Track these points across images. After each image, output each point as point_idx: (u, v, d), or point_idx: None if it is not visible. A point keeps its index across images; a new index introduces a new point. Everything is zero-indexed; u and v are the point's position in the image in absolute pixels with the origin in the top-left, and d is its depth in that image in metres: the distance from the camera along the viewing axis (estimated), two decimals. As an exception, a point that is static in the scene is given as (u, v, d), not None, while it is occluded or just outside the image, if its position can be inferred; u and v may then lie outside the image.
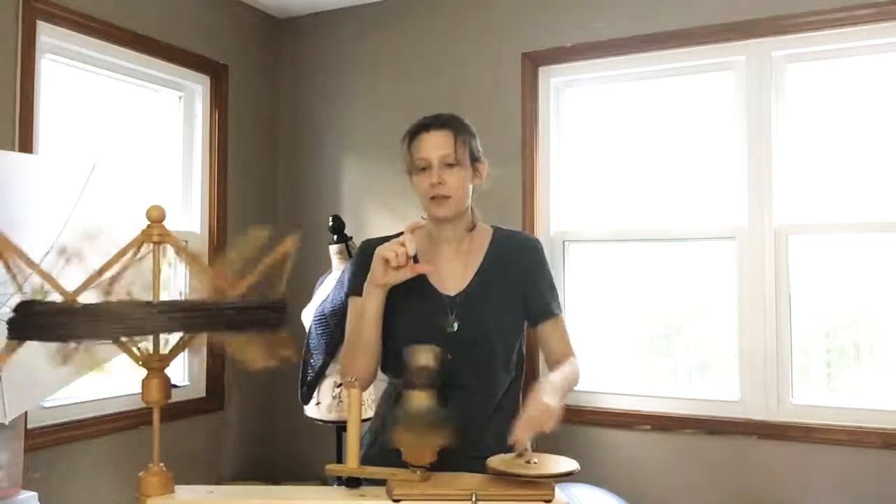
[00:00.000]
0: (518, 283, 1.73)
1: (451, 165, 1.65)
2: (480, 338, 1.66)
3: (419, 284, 1.65)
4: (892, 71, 2.61)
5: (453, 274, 1.72)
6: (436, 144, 1.65)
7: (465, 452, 1.41)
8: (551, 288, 1.78)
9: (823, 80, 2.72)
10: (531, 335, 1.79)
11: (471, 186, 1.71)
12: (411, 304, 1.66)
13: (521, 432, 1.39)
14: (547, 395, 1.46)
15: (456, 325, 1.66)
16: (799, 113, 2.73)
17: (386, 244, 1.60)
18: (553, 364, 1.75)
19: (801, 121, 2.73)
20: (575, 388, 1.70)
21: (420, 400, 1.36)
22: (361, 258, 1.73)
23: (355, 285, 1.71)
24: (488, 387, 1.68)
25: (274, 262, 1.26)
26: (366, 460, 1.57)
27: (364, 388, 1.72)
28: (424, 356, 1.40)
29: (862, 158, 2.65)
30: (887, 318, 2.64)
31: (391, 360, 1.67)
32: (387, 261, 1.57)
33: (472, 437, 1.48)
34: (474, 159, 1.71)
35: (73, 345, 1.12)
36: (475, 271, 1.72)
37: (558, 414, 1.44)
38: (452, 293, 1.69)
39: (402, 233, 1.72)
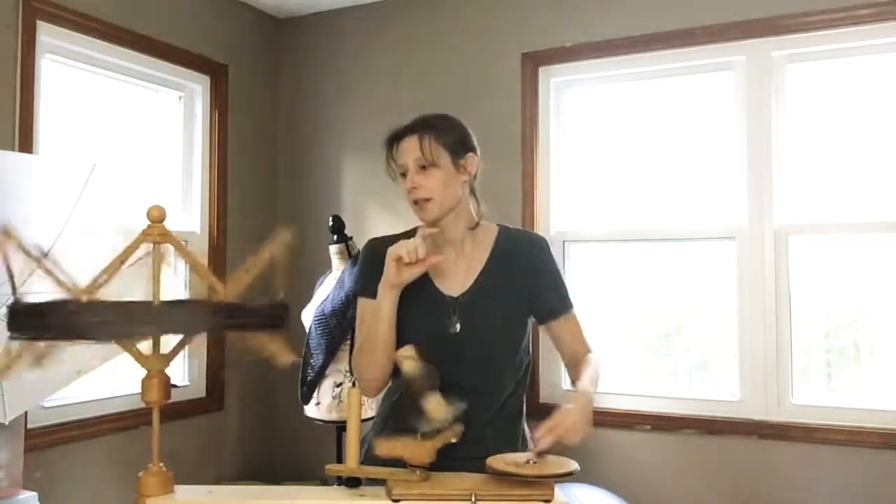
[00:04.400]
0: (523, 283, 1.69)
1: (424, 168, 1.63)
2: (483, 338, 1.64)
3: (422, 285, 1.64)
4: (892, 71, 2.61)
5: (456, 274, 1.69)
6: (407, 149, 1.65)
7: (465, 453, 1.40)
8: (558, 285, 1.74)
9: (823, 80, 2.72)
10: (536, 336, 1.76)
11: (459, 184, 1.66)
12: (414, 306, 1.64)
13: (546, 432, 1.37)
14: (580, 408, 1.44)
15: (458, 326, 1.64)
16: (799, 113, 2.73)
17: (397, 244, 1.58)
18: (571, 364, 1.71)
19: (801, 121, 2.73)
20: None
21: (434, 404, 1.38)
22: (370, 258, 1.71)
23: (365, 286, 1.69)
24: (492, 388, 1.66)
25: (268, 261, 1.26)
26: (367, 460, 1.56)
27: (380, 389, 1.71)
28: (406, 365, 1.40)
29: (862, 158, 2.65)
30: (887, 318, 2.64)
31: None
32: (399, 259, 1.56)
33: (473, 438, 1.47)
34: (457, 156, 1.66)
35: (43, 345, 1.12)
36: (479, 271, 1.69)
37: (586, 430, 1.42)
38: (455, 294, 1.67)
39: (406, 231, 1.73)
